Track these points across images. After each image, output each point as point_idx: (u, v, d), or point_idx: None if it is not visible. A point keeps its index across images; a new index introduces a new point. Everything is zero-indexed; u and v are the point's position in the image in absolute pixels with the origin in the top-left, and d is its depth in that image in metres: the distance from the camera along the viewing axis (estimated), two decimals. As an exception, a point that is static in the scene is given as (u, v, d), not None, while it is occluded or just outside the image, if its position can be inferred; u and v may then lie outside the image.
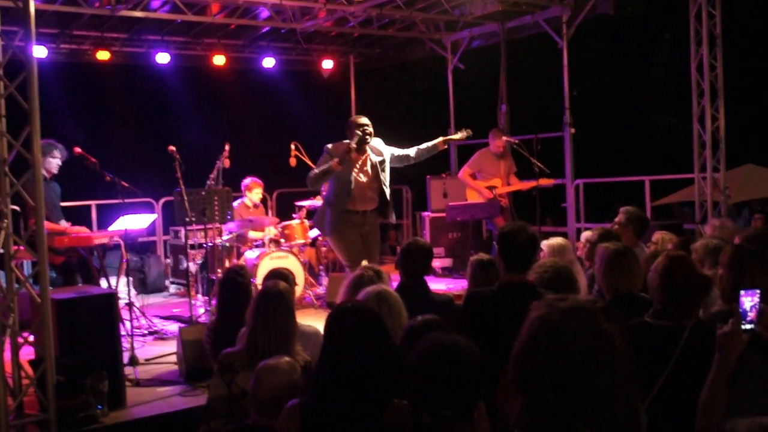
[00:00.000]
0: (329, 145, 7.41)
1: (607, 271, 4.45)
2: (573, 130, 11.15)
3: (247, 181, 10.17)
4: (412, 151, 7.69)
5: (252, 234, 9.59)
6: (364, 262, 7.06)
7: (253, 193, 10.14)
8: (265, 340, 3.93)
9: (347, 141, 7.36)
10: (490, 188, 10.37)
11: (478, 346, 3.77)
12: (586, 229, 8.97)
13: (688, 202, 13.51)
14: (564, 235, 11.60)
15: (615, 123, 19.26)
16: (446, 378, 2.68)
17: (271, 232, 9.73)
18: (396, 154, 7.62)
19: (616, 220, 6.71)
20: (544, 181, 9.90)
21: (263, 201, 10.82)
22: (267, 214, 10.57)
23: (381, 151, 7.51)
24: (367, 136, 7.32)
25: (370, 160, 7.44)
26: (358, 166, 7.36)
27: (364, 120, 7.41)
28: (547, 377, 1.87)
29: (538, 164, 9.59)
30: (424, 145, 7.68)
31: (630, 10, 11.19)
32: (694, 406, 3.16)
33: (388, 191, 7.56)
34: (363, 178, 7.39)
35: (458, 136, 7.81)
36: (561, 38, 11.09)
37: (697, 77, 9.98)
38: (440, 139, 7.68)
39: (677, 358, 3.45)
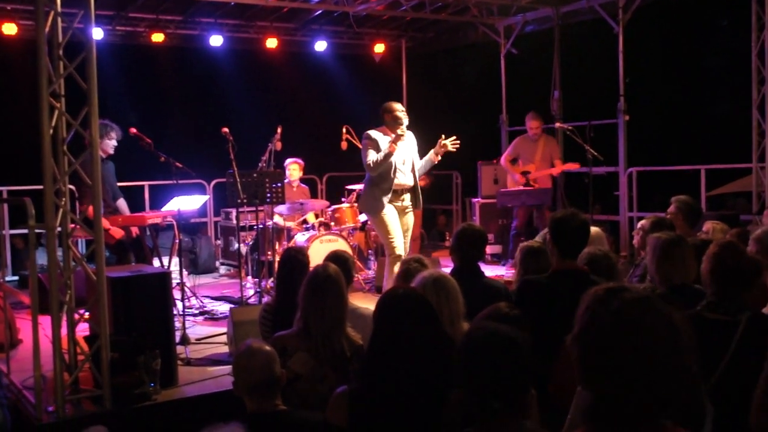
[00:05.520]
0: (371, 132, 7.67)
1: (660, 261, 4.35)
2: (627, 118, 10.99)
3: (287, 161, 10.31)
4: (418, 164, 7.90)
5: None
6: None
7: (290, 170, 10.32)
8: (317, 324, 3.93)
9: (383, 127, 7.71)
10: (524, 173, 10.44)
11: (529, 335, 3.76)
12: (639, 218, 8.84)
13: (744, 193, 13.22)
14: (616, 223, 11.48)
15: (670, 110, 18.90)
16: (496, 369, 2.60)
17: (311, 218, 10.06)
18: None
19: (668, 210, 6.61)
20: (570, 165, 10.37)
21: (305, 181, 10.91)
22: (310, 195, 10.61)
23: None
24: (400, 118, 7.64)
25: (406, 142, 7.75)
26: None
27: (397, 105, 7.77)
28: (621, 371, 1.82)
29: (592, 151, 9.48)
30: (424, 161, 7.84)
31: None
32: (747, 401, 3.09)
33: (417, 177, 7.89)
34: (401, 157, 7.69)
35: (446, 142, 7.70)
36: (617, 24, 10.91)
37: (757, 64, 9.76)
38: (431, 152, 7.75)
39: (732, 353, 3.39)
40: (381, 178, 7.60)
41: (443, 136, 7.68)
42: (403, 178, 7.70)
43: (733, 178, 14.31)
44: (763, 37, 9.62)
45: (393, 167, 7.57)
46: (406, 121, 7.61)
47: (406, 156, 7.70)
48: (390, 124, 7.65)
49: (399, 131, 7.48)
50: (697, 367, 1.90)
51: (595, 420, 1.89)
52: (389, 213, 7.61)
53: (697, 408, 3.04)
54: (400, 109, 7.69)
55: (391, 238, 7.58)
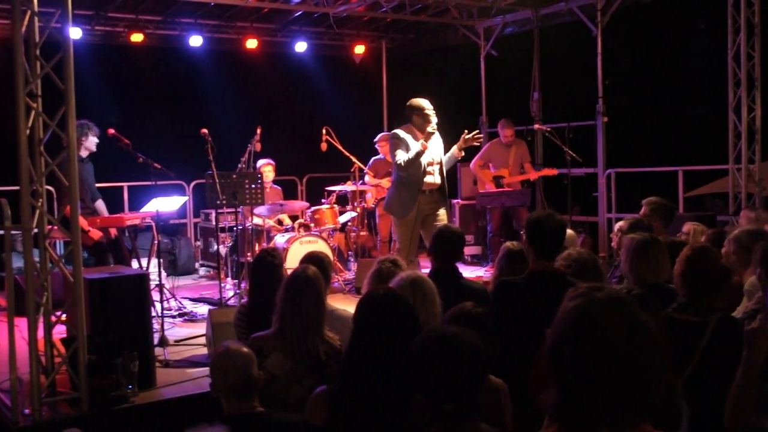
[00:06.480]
0: (399, 132, 7.59)
1: (633, 262, 4.40)
2: (606, 119, 11.06)
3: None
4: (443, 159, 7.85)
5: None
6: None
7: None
8: (293, 326, 3.94)
9: (409, 125, 7.62)
10: (498, 178, 10.47)
11: (507, 335, 3.78)
12: (618, 219, 8.90)
13: (720, 194, 13.34)
14: (595, 225, 11.54)
15: (648, 112, 19.04)
16: (446, 372, 2.62)
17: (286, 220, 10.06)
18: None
19: (641, 212, 6.64)
20: (548, 171, 10.24)
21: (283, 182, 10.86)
22: (282, 196, 10.53)
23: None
24: (430, 117, 7.56)
25: (433, 141, 7.66)
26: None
27: (426, 103, 7.62)
28: (584, 369, 1.84)
29: (571, 153, 9.54)
30: (447, 156, 7.77)
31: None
32: (717, 401, 3.13)
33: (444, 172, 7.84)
34: (430, 157, 7.59)
35: (469, 136, 7.67)
36: (595, 26, 10.98)
37: (733, 66, 9.84)
38: (454, 148, 7.69)
39: (700, 354, 3.43)
40: (410, 179, 7.52)
41: (466, 131, 7.68)
42: (432, 178, 7.63)
43: (710, 179, 14.43)
44: (738, 40, 9.71)
45: (423, 168, 7.50)
46: (435, 119, 7.55)
47: (434, 156, 7.63)
48: (418, 123, 7.57)
49: (429, 129, 7.44)
50: (669, 370, 1.91)
51: (557, 415, 1.91)
52: (415, 219, 7.56)
53: (672, 409, 3.07)
54: (428, 107, 7.59)
55: (408, 245, 7.54)
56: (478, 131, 7.69)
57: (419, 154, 7.40)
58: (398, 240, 7.76)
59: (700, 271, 3.69)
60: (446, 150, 7.75)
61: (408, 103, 7.70)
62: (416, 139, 7.49)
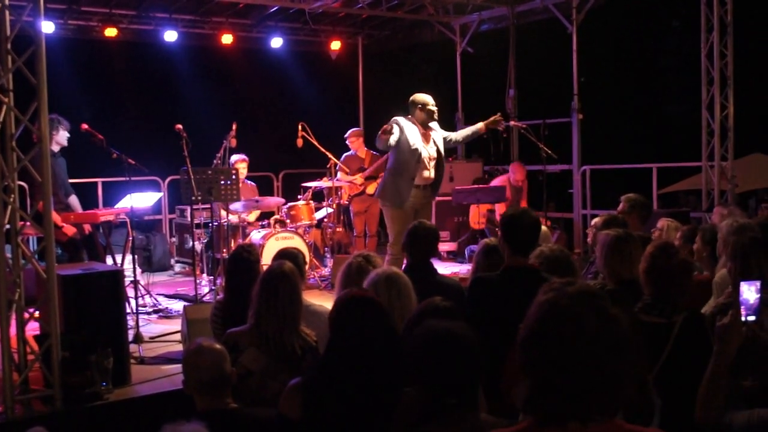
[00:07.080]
0: (398, 118, 7.65)
1: (608, 257, 4.41)
2: (581, 116, 11.12)
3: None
4: (454, 135, 8.01)
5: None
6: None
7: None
8: (268, 322, 3.93)
9: (412, 117, 7.69)
10: (491, 212, 10.52)
11: (482, 331, 3.79)
12: (593, 215, 8.95)
13: (694, 191, 13.47)
14: (570, 221, 11.61)
15: (623, 109, 19.20)
16: (448, 366, 2.63)
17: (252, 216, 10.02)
18: (443, 136, 7.93)
19: (619, 209, 6.68)
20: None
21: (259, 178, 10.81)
22: (257, 193, 10.46)
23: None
24: (434, 113, 7.67)
25: (433, 137, 7.74)
26: (425, 140, 7.66)
27: (429, 99, 7.69)
28: (554, 361, 1.86)
29: (546, 149, 9.57)
30: (467, 129, 7.93)
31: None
32: (688, 395, 3.16)
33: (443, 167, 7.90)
34: (428, 152, 7.64)
35: (498, 119, 7.81)
36: (570, 23, 11.04)
37: (707, 65, 9.94)
38: (481, 124, 7.81)
39: (668, 353, 3.45)
40: (406, 170, 7.53)
41: (499, 113, 7.91)
42: (428, 173, 7.66)
43: (684, 176, 14.58)
44: (712, 39, 9.80)
45: (421, 160, 7.54)
46: (436, 116, 7.67)
47: (431, 151, 7.67)
48: (421, 117, 7.63)
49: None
50: (641, 364, 1.93)
51: (529, 408, 1.92)
52: (407, 211, 7.55)
53: (644, 403, 3.09)
54: (431, 102, 7.65)
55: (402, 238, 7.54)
56: (499, 113, 7.92)
57: (386, 131, 7.37)
58: (391, 233, 7.69)
59: (662, 267, 3.71)
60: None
61: (411, 98, 7.75)
62: (418, 130, 7.56)
